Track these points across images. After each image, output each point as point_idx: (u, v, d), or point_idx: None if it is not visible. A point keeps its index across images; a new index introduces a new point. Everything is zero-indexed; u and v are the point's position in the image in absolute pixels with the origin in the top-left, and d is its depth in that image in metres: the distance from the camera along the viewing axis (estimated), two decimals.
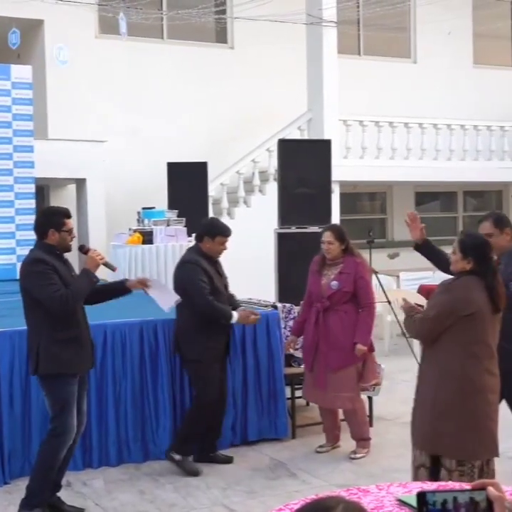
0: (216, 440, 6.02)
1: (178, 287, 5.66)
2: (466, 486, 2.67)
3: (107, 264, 4.99)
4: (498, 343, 4.29)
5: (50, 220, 4.79)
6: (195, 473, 5.67)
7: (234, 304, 5.98)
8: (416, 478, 4.18)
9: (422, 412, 4.33)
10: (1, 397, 5.47)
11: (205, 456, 5.91)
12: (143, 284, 5.14)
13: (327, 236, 5.95)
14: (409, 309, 4.51)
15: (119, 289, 5.17)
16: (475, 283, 4.19)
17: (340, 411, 6.25)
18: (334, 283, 5.90)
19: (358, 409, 6.07)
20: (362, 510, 1.84)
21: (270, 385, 6.39)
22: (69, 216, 4.86)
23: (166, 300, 5.30)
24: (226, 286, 5.94)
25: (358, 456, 6.04)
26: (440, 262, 5.11)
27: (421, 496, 1.94)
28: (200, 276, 5.59)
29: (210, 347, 5.68)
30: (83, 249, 4.97)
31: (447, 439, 4.20)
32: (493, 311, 4.20)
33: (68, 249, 4.88)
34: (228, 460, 5.98)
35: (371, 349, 6.04)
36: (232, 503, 5.19)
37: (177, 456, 5.73)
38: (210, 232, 5.74)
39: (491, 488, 1.93)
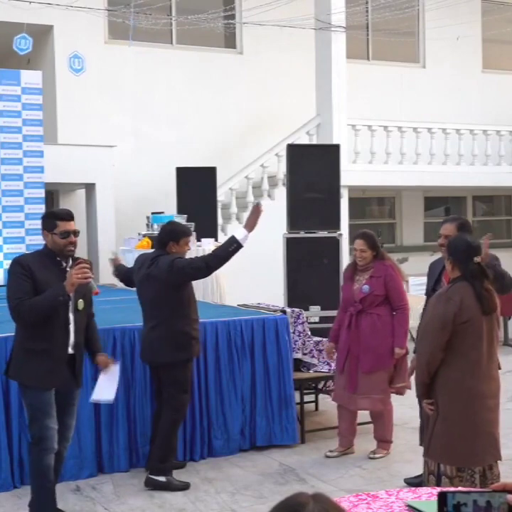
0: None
1: (171, 282, 5.44)
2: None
3: (89, 285, 4.58)
4: None
5: (43, 222, 4.64)
6: (187, 487, 5.49)
7: None
8: (427, 485, 4.18)
9: (429, 421, 4.36)
10: (10, 403, 5.46)
11: None
12: (105, 364, 4.89)
13: (359, 244, 6.00)
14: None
15: (91, 354, 4.94)
16: (465, 288, 4.20)
17: (360, 414, 6.29)
18: (365, 287, 6.00)
19: (386, 412, 6.15)
20: (331, 502, 1.83)
21: (279, 390, 6.38)
22: (63, 218, 4.55)
23: (104, 392, 4.95)
24: None
25: (377, 456, 6.11)
26: None
27: (442, 496, 1.94)
28: (184, 260, 5.50)
29: (186, 347, 5.50)
30: (75, 262, 4.58)
31: (444, 447, 4.22)
32: (484, 313, 4.20)
33: (64, 254, 4.56)
34: (181, 466, 5.84)
35: (406, 352, 6.08)
36: (241, 508, 5.18)
37: (161, 479, 5.47)
38: (173, 237, 5.58)
39: (510, 496, 1.94)
